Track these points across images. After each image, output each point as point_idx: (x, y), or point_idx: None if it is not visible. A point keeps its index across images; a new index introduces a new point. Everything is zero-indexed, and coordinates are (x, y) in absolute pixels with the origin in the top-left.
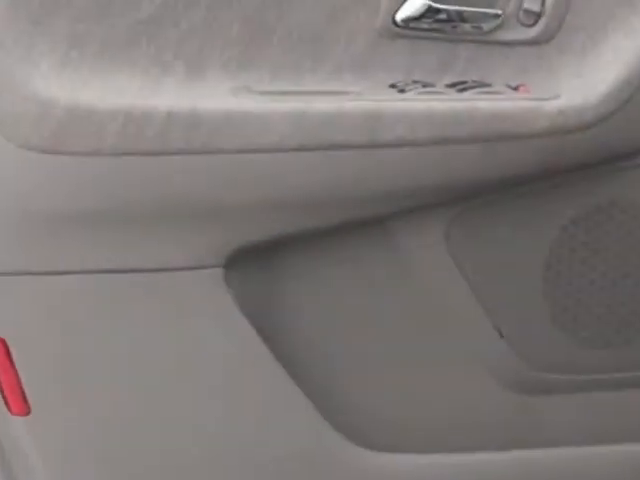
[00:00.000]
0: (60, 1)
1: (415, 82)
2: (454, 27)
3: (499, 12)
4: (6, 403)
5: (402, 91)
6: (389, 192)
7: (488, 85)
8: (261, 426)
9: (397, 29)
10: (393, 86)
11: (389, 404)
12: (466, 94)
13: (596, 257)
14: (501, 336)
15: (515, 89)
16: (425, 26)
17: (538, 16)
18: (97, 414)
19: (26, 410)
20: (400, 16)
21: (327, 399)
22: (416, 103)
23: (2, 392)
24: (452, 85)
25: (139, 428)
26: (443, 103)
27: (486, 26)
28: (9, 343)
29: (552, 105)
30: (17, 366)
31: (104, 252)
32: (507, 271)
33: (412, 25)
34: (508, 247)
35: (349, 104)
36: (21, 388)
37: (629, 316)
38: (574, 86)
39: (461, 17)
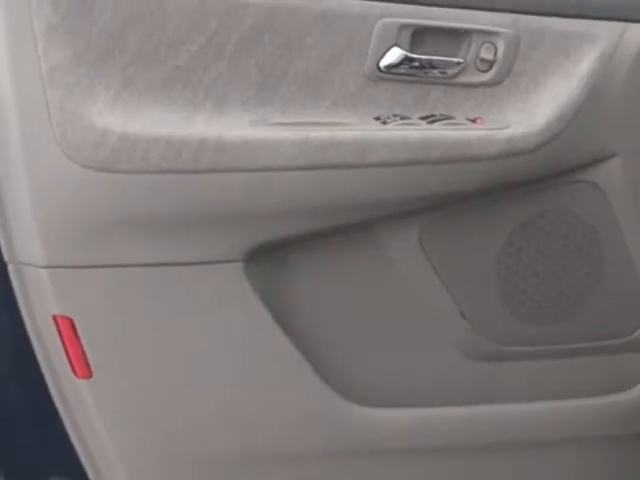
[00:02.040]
0: (114, 51)
1: (395, 115)
2: (425, 72)
3: (461, 60)
4: (73, 369)
5: (384, 123)
6: (374, 203)
7: (452, 118)
8: (274, 390)
9: (381, 74)
10: (377, 119)
11: (377, 371)
12: (435, 125)
13: (538, 254)
14: (464, 318)
15: (473, 121)
16: (402, 71)
17: (491, 64)
18: (145, 379)
19: (89, 374)
20: (383, 63)
21: (327, 367)
22: (395, 132)
23: (70, 361)
24: (424, 118)
25: (175, 393)
26: (417, 132)
27: (450, 72)
28: (75, 321)
29: (502, 134)
30: (82, 339)
31: (149, 249)
32: (468, 266)
33: (392, 71)
34: (469, 247)
35: (342, 133)
36: (85, 357)
37: (564, 300)
38: (520, 119)
39: (431, 64)
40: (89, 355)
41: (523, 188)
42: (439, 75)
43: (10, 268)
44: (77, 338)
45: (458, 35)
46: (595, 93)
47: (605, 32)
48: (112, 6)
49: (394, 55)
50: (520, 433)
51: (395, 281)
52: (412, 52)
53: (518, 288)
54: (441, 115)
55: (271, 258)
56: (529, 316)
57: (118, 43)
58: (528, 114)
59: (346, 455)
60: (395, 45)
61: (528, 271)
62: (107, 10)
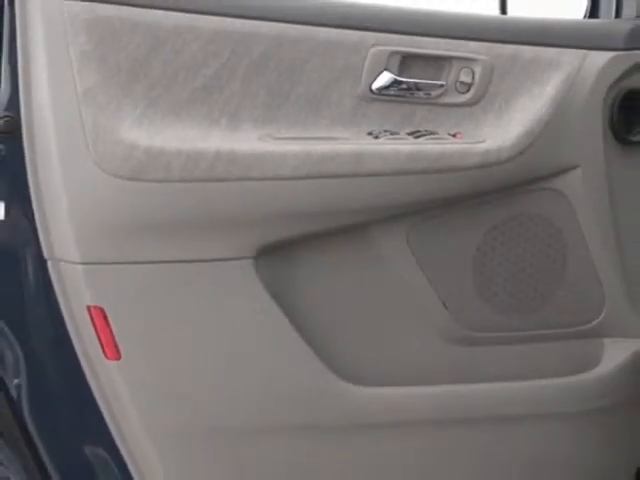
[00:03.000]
0: (140, 75)
1: (385, 131)
2: (412, 94)
3: (443, 83)
4: (104, 352)
5: (376, 137)
6: (368, 207)
7: (436, 133)
8: (281, 369)
9: (373, 95)
10: (370, 134)
11: (369, 354)
12: (421, 139)
13: (509, 252)
14: (445, 308)
15: (454, 136)
16: (392, 93)
17: (469, 86)
18: (167, 361)
19: (118, 357)
20: (375, 86)
21: (326, 350)
22: (386, 145)
23: (101, 345)
24: (411, 133)
25: (193, 373)
26: (405, 145)
27: (434, 93)
28: (106, 311)
29: (479, 147)
30: (112, 326)
31: (171, 248)
32: (449, 263)
33: (383, 92)
34: (450, 246)
35: (340, 146)
36: (115, 341)
37: (532, 292)
38: (494, 135)
39: (417, 87)
40: (118, 340)
41: (497, 195)
42: (424, 96)
43: (49, 264)
44: (108, 325)
45: (440, 61)
46: (560, 112)
47: (569, 58)
48: (138, 36)
49: (385, 78)
50: (494, 408)
51: (385, 275)
52: (400, 76)
53: (492, 282)
54: (426, 131)
55: (277, 255)
56: (501, 307)
57: (143, 68)
58: (501, 130)
59: (340, 428)
60: (386, 70)
61: (501, 267)
62: (134, 39)
